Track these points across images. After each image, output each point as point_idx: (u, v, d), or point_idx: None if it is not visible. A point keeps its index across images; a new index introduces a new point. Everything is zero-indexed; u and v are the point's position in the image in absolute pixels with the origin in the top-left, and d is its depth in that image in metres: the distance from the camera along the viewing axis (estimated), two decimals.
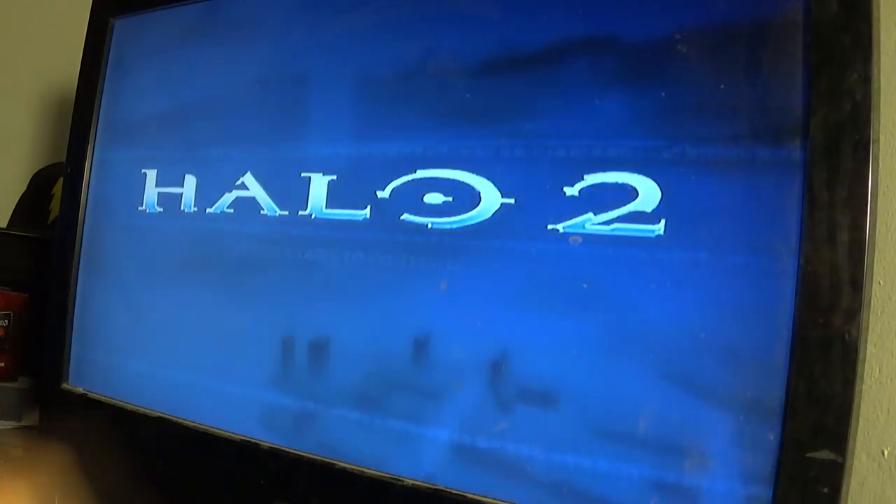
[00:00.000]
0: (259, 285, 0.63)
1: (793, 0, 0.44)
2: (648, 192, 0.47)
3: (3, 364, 0.89)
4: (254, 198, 0.64)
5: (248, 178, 0.64)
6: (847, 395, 0.41)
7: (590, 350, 0.48)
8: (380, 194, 0.57)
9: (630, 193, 0.48)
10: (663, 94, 0.47)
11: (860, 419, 0.43)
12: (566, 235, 0.49)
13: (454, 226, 0.54)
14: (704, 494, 0.44)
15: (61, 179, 0.84)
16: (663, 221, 0.47)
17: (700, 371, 0.45)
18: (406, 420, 0.54)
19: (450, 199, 0.54)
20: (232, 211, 0.65)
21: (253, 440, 0.61)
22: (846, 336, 0.41)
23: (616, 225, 0.48)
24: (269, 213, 0.63)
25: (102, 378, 0.72)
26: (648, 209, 0.47)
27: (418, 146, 0.56)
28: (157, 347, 0.69)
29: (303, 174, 0.61)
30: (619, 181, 0.48)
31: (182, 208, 0.68)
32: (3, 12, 1.24)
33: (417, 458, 0.54)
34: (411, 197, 0.56)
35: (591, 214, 0.49)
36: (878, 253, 0.59)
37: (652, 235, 0.47)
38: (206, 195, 0.67)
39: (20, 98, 1.23)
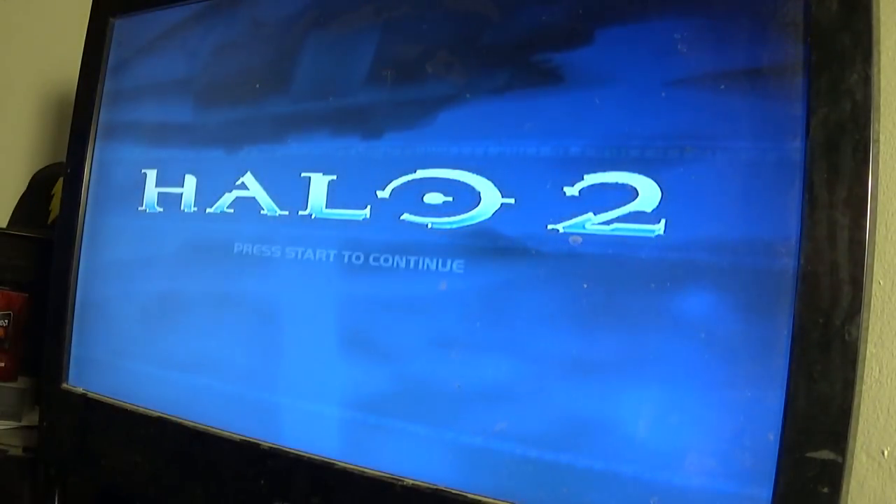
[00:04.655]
0: (259, 285, 0.63)
1: (793, 0, 0.44)
2: (648, 192, 0.47)
3: (3, 364, 0.89)
4: (254, 198, 0.64)
5: (248, 178, 0.64)
6: (847, 395, 0.40)
7: (590, 349, 0.48)
8: (380, 194, 0.57)
9: (630, 193, 0.48)
10: (663, 94, 0.47)
11: (860, 419, 0.43)
12: (566, 235, 0.49)
13: (454, 226, 0.54)
14: (704, 494, 0.44)
15: (61, 179, 0.84)
16: (663, 221, 0.47)
17: (700, 370, 0.45)
18: (406, 420, 0.54)
19: (450, 199, 0.54)
20: (232, 211, 0.65)
21: (253, 440, 0.61)
22: (846, 336, 0.41)
23: (616, 225, 0.48)
24: (269, 213, 0.63)
25: (102, 378, 0.72)
26: (648, 209, 0.47)
27: (418, 146, 0.56)
28: (157, 347, 0.69)
29: (303, 174, 0.61)
30: (619, 181, 0.48)
31: (182, 208, 0.68)
32: (3, 12, 1.24)
33: (418, 458, 0.54)
34: (411, 197, 0.56)
35: (591, 214, 0.49)
36: (878, 253, 0.59)
37: (652, 235, 0.47)
38: (206, 195, 0.67)
39: (20, 98, 1.23)
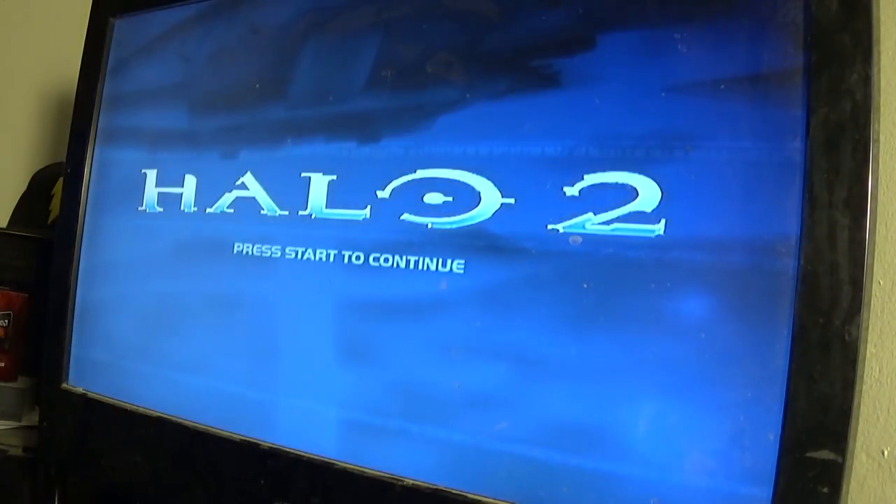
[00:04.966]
0: (259, 285, 0.63)
1: (793, 0, 0.44)
2: (648, 192, 0.47)
3: (3, 364, 0.89)
4: (254, 198, 0.64)
5: (248, 178, 0.64)
6: (847, 395, 0.40)
7: (590, 350, 0.48)
8: (380, 194, 0.57)
9: (630, 193, 0.48)
10: (663, 94, 0.47)
11: (860, 419, 0.43)
12: (566, 235, 0.49)
13: (454, 226, 0.54)
14: (705, 494, 0.44)
15: (61, 179, 0.84)
16: (663, 221, 0.47)
17: (700, 371, 0.45)
18: (406, 420, 0.54)
19: (450, 199, 0.54)
20: (232, 211, 0.65)
21: (253, 440, 0.61)
22: (846, 336, 0.41)
23: (616, 225, 0.48)
24: (268, 213, 0.63)
25: (102, 378, 0.72)
26: (648, 209, 0.47)
27: (419, 146, 0.56)
28: (157, 347, 0.69)
29: (303, 174, 0.61)
30: (619, 181, 0.48)
31: (182, 208, 0.68)
32: (3, 12, 1.24)
33: (418, 458, 0.54)
34: (411, 197, 0.56)
35: (591, 214, 0.49)
36: (878, 253, 0.59)
37: (652, 235, 0.47)
38: (206, 195, 0.67)
39: (20, 98, 1.23)
